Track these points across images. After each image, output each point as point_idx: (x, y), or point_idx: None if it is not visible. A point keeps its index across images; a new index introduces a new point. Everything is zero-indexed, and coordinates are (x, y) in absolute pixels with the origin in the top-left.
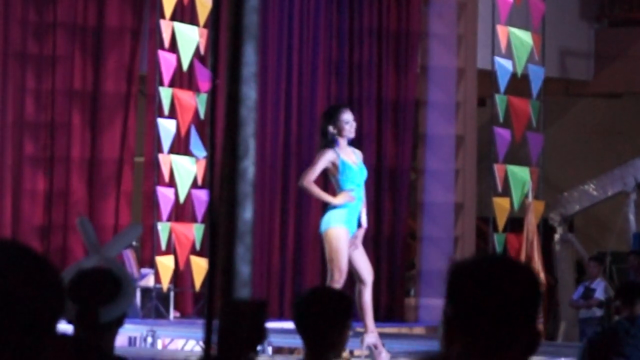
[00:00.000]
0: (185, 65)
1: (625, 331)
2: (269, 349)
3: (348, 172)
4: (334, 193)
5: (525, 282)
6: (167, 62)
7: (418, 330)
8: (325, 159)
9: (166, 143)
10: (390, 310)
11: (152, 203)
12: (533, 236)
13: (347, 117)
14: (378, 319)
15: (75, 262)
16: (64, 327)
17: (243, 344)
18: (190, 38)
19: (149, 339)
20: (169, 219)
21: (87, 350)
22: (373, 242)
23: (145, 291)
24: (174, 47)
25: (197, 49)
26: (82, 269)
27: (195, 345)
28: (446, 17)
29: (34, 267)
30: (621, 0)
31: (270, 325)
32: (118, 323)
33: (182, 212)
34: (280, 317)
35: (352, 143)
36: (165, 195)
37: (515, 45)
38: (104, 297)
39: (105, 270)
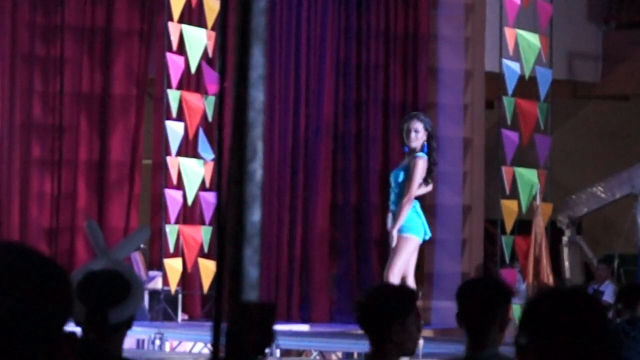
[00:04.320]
0: (193, 68)
1: (625, 334)
2: (277, 352)
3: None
4: None
5: (596, 315)
6: (175, 64)
7: (427, 333)
8: None
9: (174, 145)
10: None
11: (160, 205)
12: (541, 238)
13: (406, 126)
14: None
15: (83, 264)
16: (73, 329)
17: (251, 346)
18: (198, 40)
19: (157, 342)
20: (177, 222)
21: (95, 352)
22: (382, 245)
23: (154, 294)
24: (182, 50)
25: (205, 52)
26: (90, 271)
27: (203, 348)
28: (454, 19)
29: (41, 269)
30: (629, 3)
31: (279, 327)
32: (126, 325)
33: (190, 214)
34: (288, 320)
35: (359, 146)
36: (173, 198)
37: (523, 48)
38: (112, 298)
39: (114, 272)
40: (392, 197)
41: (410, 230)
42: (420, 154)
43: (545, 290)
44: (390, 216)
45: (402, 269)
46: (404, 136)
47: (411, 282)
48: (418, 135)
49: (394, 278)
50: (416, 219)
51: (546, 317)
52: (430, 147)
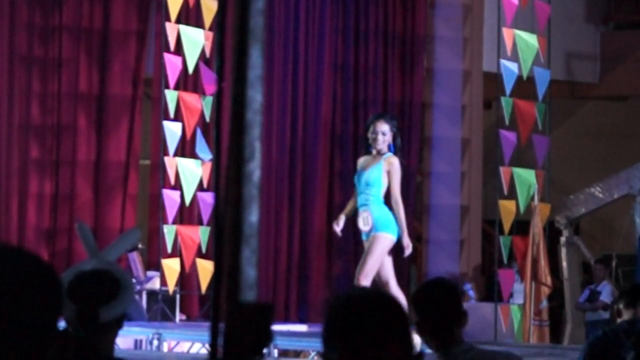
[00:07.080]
0: (190, 68)
1: (626, 334)
2: (275, 352)
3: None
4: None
5: (394, 317)
6: (172, 64)
7: None
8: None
9: (172, 146)
10: None
11: (158, 206)
12: (539, 239)
13: (372, 128)
14: None
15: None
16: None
17: (249, 347)
18: (195, 41)
19: (155, 342)
20: (174, 222)
21: (86, 351)
22: None
23: (151, 294)
24: (179, 50)
25: (203, 52)
26: (81, 271)
27: (201, 348)
28: (452, 20)
29: (31, 268)
30: (627, 3)
31: (276, 328)
32: (117, 324)
33: (188, 214)
34: (286, 320)
35: (357, 147)
36: (171, 198)
37: (521, 48)
38: (103, 297)
39: (104, 271)
40: (362, 199)
41: (385, 229)
42: (390, 154)
43: (342, 299)
44: (361, 217)
45: (375, 268)
46: (370, 138)
47: (394, 287)
48: (385, 137)
49: (366, 279)
50: (391, 218)
51: (346, 325)
52: (396, 147)
